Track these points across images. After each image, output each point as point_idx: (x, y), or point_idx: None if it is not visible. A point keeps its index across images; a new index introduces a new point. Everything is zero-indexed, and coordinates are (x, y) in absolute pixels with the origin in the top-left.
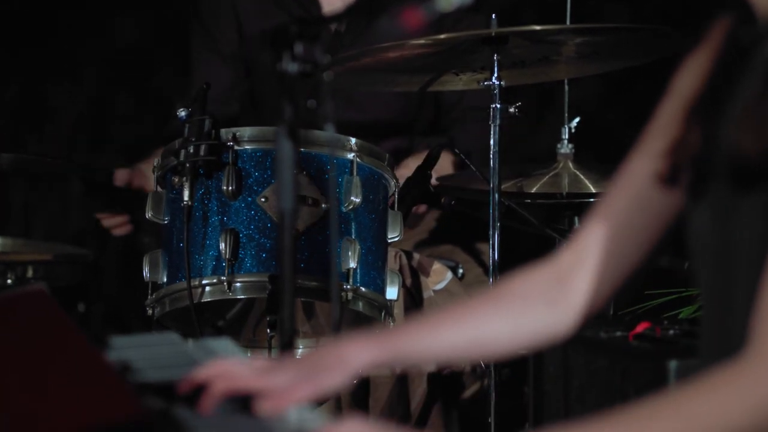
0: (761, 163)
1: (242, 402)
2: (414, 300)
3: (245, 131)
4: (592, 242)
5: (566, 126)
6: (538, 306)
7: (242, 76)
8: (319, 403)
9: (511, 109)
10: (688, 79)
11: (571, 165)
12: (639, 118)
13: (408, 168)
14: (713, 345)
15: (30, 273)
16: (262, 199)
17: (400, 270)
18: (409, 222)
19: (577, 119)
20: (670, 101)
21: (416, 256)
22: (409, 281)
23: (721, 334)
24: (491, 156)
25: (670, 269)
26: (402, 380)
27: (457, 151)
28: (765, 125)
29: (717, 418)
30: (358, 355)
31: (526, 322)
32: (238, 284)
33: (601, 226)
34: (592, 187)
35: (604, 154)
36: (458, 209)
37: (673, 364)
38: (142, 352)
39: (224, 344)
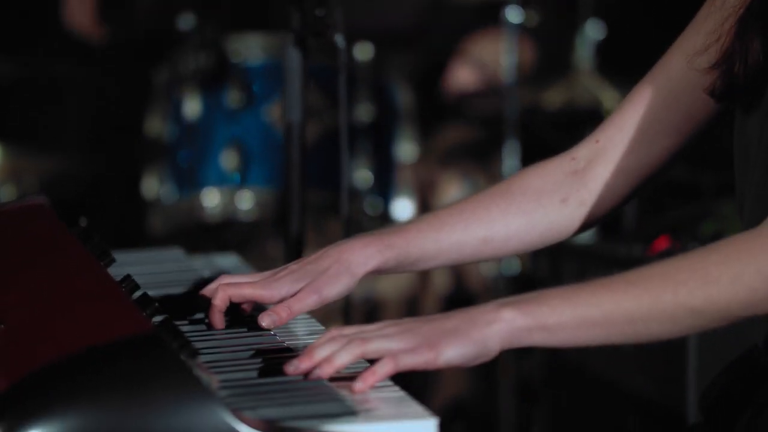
0: None
1: (245, 315)
2: None
3: (252, 41)
4: (614, 135)
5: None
6: (552, 202)
7: None
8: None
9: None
10: None
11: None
12: (672, 26)
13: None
14: None
15: (30, 185)
16: (270, 112)
17: (414, 188)
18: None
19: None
20: (717, 8)
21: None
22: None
23: None
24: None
25: (689, 183)
26: (413, 302)
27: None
28: None
29: (732, 281)
30: (362, 260)
31: (539, 219)
32: (245, 198)
33: (626, 120)
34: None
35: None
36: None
37: None
38: (146, 268)
39: (230, 260)
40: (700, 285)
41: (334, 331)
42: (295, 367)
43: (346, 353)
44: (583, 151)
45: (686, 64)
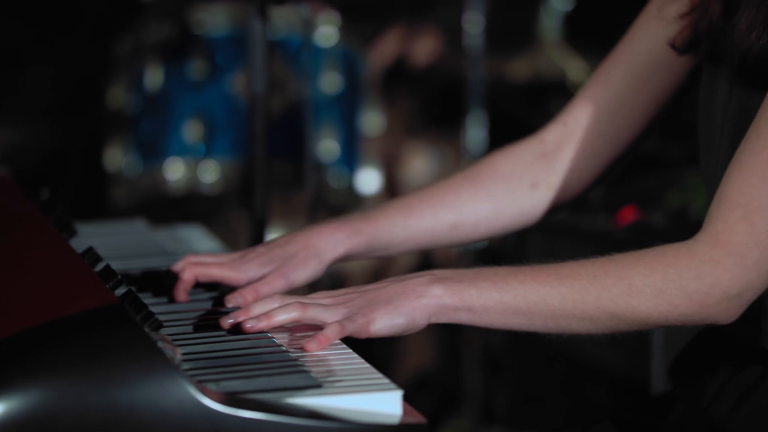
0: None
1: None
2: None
3: (215, 12)
4: (581, 117)
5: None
6: (521, 187)
7: None
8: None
9: None
10: None
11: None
12: None
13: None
14: None
15: None
16: (234, 83)
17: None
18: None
19: None
20: None
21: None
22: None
23: None
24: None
25: (655, 153)
26: (378, 278)
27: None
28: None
29: (655, 295)
30: (331, 246)
31: (509, 204)
32: (209, 170)
33: (592, 102)
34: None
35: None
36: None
37: None
38: (108, 240)
39: (194, 231)
40: (623, 293)
41: (275, 294)
42: (233, 319)
43: (285, 312)
44: (551, 134)
45: (653, 33)
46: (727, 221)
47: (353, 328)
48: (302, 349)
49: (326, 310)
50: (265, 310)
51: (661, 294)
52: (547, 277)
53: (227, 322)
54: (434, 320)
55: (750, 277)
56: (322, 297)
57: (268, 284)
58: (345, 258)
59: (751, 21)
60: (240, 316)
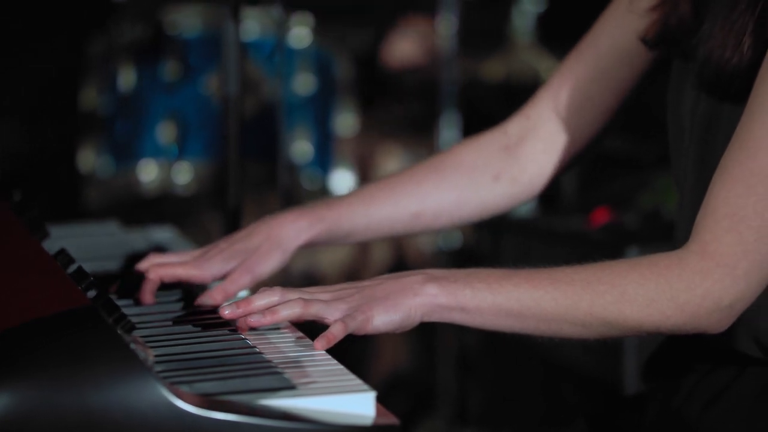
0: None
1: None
2: None
3: (189, 13)
4: (544, 111)
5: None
6: (484, 179)
7: None
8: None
9: None
10: None
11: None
12: None
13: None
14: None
15: None
16: (207, 84)
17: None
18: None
19: None
20: None
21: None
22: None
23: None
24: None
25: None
26: (352, 276)
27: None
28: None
29: (647, 304)
30: (293, 234)
31: (472, 194)
32: (182, 171)
33: (555, 96)
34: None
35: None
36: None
37: (633, 254)
38: (81, 242)
39: (167, 233)
40: (615, 301)
41: (276, 288)
42: (232, 310)
43: (288, 308)
44: (514, 126)
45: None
46: (714, 232)
47: (354, 326)
48: (314, 347)
49: (327, 306)
50: (266, 304)
51: (653, 303)
52: (542, 281)
53: (226, 311)
54: (426, 319)
55: (740, 287)
56: (319, 292)
57: (235, 282)
58: (308, 245)
59: (722, 40)
60: (240, 308)
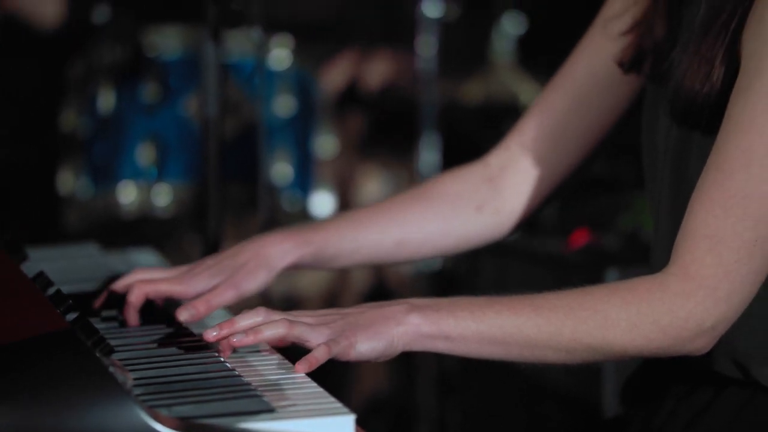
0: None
1: (163, 310)
2: None
3: (168, 34)
4: (525, 142)
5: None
6: (468, 208)
7: None
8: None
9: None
10: None
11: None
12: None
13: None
14: (667, 257)
15: None
16: (187, 106)
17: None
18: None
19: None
20: None
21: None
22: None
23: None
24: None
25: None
26: (332, 299)
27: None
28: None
29: (630, 328)
30: (280, 255)
31: (456, 224)
32: (162, 193)
33: (535, 127)
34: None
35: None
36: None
37: (612, 276)
38: (60, 264)
39: (147, 255)
40: (599, 326)
41: (260, 308)
42: (217, 332)
43: (272, 329)
44: (495, 158)
45: (597, 53)
46: (694, 254)
47: (337, 350)
48: (295, 370)
49: (311, 329)
50: (250, 324)
51: (636, 328)
52: (524, 308)
53: (211, 334)
54: (409, 348)
55: (722, 309)
56: (303, 316)
57: (220, 295)
58: (293, 266)
59: (693, 70)
60: (224, 330)
